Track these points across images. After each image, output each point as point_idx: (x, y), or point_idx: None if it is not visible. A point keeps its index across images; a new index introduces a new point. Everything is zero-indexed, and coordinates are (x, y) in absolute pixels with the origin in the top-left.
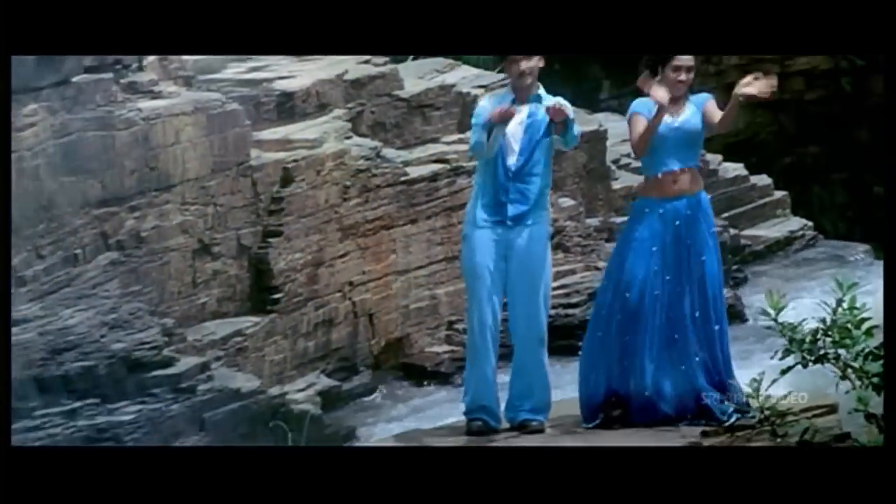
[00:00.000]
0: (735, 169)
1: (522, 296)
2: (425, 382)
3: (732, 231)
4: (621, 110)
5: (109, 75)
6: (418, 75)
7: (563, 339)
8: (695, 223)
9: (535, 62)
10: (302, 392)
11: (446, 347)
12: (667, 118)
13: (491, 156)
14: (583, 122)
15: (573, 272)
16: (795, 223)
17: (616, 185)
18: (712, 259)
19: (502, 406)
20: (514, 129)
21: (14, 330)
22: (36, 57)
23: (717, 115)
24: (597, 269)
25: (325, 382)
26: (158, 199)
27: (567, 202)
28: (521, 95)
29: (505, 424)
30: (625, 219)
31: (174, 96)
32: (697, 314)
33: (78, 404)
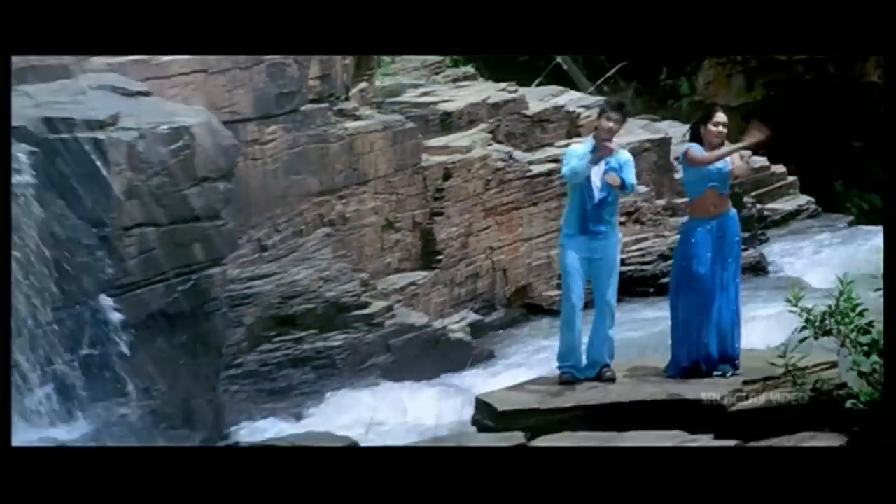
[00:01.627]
0: (759, 161)
1: (601, 282)
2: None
3: (759, 205)
4: (675, 95)
5: (325, 105)
6: (538, 98)
7: (640, 286)
8: (728, 232)
9: (620, 126)
10: (457, 324)
11: (557, 292)
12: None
13: (578, 184)
14: (653, 131)
15: (646, 239)
16: (803, 199)
17: (677, 176)
18: (737, 260)
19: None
20: (597, 173)
21: (258, 283)
22: (278, 93)
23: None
24: (663, 237)
25: (473, 317)
26: (358, 191)
27: (642, 189)
28: (600, 145)
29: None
30: (684, 199)
31: (369, 118)
32: (733, 294)
33: (303, 334)
